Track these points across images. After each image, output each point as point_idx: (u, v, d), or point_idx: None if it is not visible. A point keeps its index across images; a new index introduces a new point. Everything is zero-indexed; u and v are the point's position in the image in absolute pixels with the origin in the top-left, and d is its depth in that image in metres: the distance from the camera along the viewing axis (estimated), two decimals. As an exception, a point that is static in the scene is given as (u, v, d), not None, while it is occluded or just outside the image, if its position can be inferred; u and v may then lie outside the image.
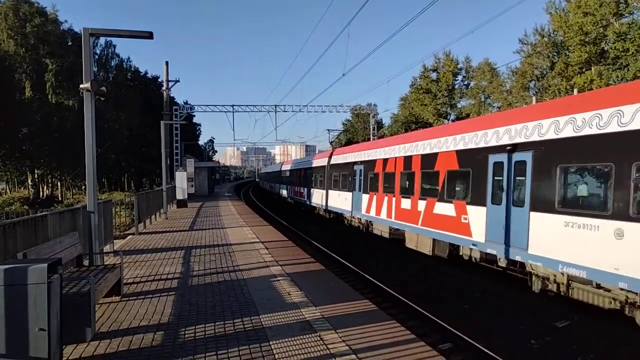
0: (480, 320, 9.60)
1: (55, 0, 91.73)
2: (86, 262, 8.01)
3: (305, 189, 33.50)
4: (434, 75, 56.30)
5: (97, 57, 50.30)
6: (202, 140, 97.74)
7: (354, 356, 5.07)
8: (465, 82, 55.93)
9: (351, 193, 22.63)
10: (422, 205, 15.23)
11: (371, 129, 48.44)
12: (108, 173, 59.14)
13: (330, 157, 27.61)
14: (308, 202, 32.57)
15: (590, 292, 9.27)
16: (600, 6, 33.11)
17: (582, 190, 9.35)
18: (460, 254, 13.48)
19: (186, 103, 55.57)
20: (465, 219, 12.74)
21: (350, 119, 73.80)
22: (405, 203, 16.49)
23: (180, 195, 28.63)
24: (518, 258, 10.66)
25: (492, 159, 11.73)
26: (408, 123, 56.58)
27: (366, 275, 13.19)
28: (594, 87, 32.27)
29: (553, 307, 9.95)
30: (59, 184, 54.41)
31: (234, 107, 42.23)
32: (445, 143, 14.19)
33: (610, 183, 8.42)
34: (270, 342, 5.50)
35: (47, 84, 43.36)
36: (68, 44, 47.47)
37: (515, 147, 10.91)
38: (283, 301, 7.29)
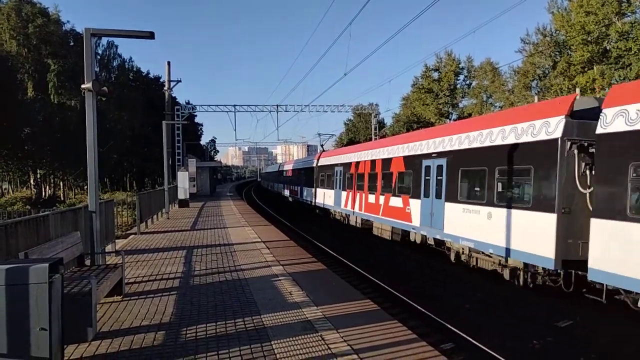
0: (482, 319, 9.58)
1: (57, 1, 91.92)
2: (88, 262, 8.01)
3: (299, 188, 37.40)
4: (435, 75, 56.23)
5: (99, 57, 50.38)
6: (203, 140, 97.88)
7: (355, 356, 5.06)
8: (467, 82, 55.89)
9: (333, 191, 26.34)
10: (382, 199, 18.95)
11: (373, 129, 48.42)
12: (110, 173, 59.21)
13: (318, 159, 31.51)
14: (301, 199, 36.52)
15: (482, 259, 12.85)
16: (603, 5, 33.02)
17: (471, 185, 13.08)
18: (409, 237, 16.84)
19: (188, 103, 55.78)
20: (408, 209, 16.46)
21: (352, 118, 73.82)
22: (371, 198, 20.22)
23: (182, 195, 28.66)
24: (438, 237, 14.48)
25: (424, 163, 15.45)
26: (410, 123, 56.52)
27: (368, 275, 13.18)
28: (596, 87, 32.22)
29: (555, 306, 9.93)
30: (61, 184, 54.53)
31: (236, 107, 42.30)
32: (397, 150, 17.98)
33: (485, 180, 12.19)
34: (272, 342, 5.49)
35: (49, 84, 43.44)
36: (70, 44, 47.56)
37: (438, 155, 14.62)
38: (284, 301, 7.28)
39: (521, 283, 11.28)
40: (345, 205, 23.84)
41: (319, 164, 30.71)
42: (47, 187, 53.59)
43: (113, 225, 12.91)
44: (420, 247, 16.21)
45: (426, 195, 15.16)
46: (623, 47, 32.34)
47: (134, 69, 62.30)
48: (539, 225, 10.13)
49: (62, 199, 48.79)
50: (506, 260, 11.63)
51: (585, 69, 35.16)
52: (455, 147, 13.68)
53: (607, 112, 8.78)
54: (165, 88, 38.77)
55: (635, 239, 7.86)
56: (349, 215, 23.78)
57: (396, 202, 17.43)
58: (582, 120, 9.76)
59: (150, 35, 8.28)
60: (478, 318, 9.67)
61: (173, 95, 43.26)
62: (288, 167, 47.22)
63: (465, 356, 7.80)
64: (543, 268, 10.35)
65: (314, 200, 31.24)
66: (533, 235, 10.30)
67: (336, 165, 26.19)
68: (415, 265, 15.06)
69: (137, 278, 9.03)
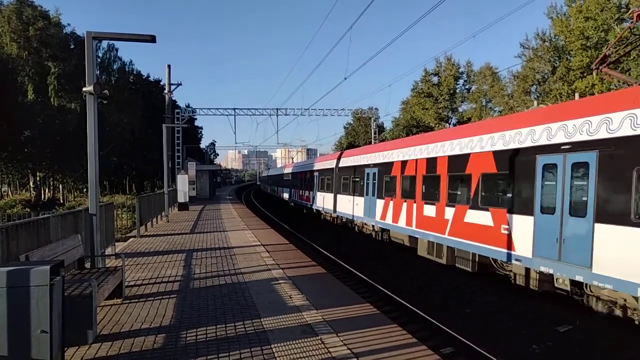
0: (482, 324, 9.57)
1: (58, 4, 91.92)
2: (88, 265, 8.01)
3: (277, 188, 53.99)
4: (435, 79, 56.25)
5: (99, 60, 50.41)
6: (203, 144, 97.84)
7: (355, 360, 5.07)
8: (467, 86, 55.92)
9: (288, 189, 42.76)
10: (306, 193, 33.81)
11: (372, 133, 48.49)
12: (110, 176, 59.17)
13: (284, 168, 51.54)
14: (277, 195, 52.50)
15: (327, 216, 28.18)
16: (602, 11, 33.13)
17: (323, 184, 28.38)
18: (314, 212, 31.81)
19: (188, 106, 55.65)
20: (312, 197, 31.51)
21: (352, 122, 73.83)
22: (302, 192, 35.63)
23: (181, 198, 28.66)
24: (318, 209, 29.57)
25: (314, 174, 30.63)
26: (409, 127, 56.55)
27: (367, 279, 13.17)
28: (595, 92, 32.27)
29: (555, 311, 9.93)
30: (60, 186, 54.48)
31: (236, 110, 42.32)
32: (307, 167, 34.96)
33: (325, 182, 28.09)
34: (272, 346, 5.50)
35: (49, 87, 43.46)
36: (70, 47, 47.59)
37: (315, 171, 30.65)
38: (284, 304, 7.29)
39: (335, 223, 26.19)
40: (290, 197, 40.72)
41: (284, 172, 48.33)
42: (47, 189, 53.53)
43: (113, 228, 12.90)
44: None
45: (315, 189, 30.39)
46: (622, 52, 32.42)
47: (134, 72, 62.38)
48: (330, 199, 26.10)
49: (61, 201, 48.72)
50: (330, 216, 26.82)
51: (585, 74, 35.24)
52: (318, 168, 30.02)
53: (341, 159, 25.15)
54: (166, 91, 38.80)
55: (341, 201, 24.18)
56: (294, 202, 39.31)
57: (309, 193, 32.51)
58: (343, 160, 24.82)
59: (152, 39, 8.29)
60: (478, 322, 9.67)
61: (173, 98, 43.26)
62: (274, 172, 66.75)
63: (464, 360, 7.80)
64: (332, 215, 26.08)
65: (282, 196, 47.32)
66: (330, 203, 26.12)
67: (291, 173, 42.13)
68: (407, 264, 15.07)
69: (137, 281, 9.03)
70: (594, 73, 33.92)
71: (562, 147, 9.35)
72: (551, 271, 9.56)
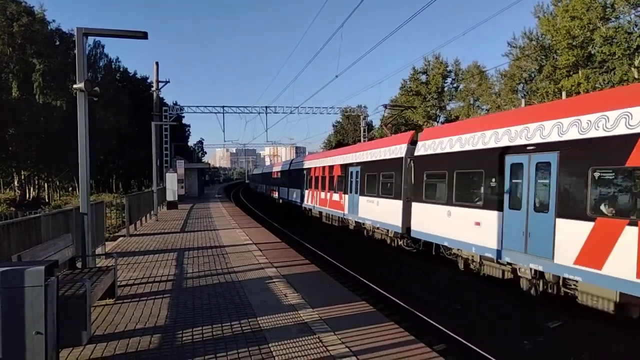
0: (473, 320, 9.66)
1: (43, 0, 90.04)
2: (79, 264, 7.91)
3: (259, 184, 64.11)
4: (423, 78, 56.56)
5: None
6: (191, 141, 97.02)
7: (354, 358, 5.08)
8: (455, 85, 56.30)
9: (264, 185, 54.78)
10: (274, 188, 44.70)
11: (362, 131, 48.59)
12: (96, 174, 58.38)
13: (265, 167, 63.32)
14: (260, 192, 61.32)
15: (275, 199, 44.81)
16: (588, 10, 33.58)
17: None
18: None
19: (175, 104, 55.18)
20: (278, 190, 43.04)
21: (341, 120, 73.93)
22: (273, 188, 45.80)
23: (170, 196, 28.42)
24: (293, 201, 35.53)
25: (279, 174, 42.39)
26: (398, 125, 56.76)
27: (360, 277, 13.21)
28: (581, 91, 32.71)
29: (545, 307, 10.06)
30: (45, 185, 53.64)
31: (225, 108, 42.05)
32: (276, 168, 46.41)
33: (296, 179, 35.84)
34: (270, 345, 5.48)
35: (34, 84, 42.67)
36: (56, 44, 46.80)
37: (284, 171, 39.77)
38: (280, 303, 7.27)
39: (290, 208, 35.61)
40: (267, 192, 50.77)
41: (262, 172, 61.82)
42: (32, 188, 52.65)
43: (103, 227, 12.75)
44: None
45: (279, 185, 40.78)
46: (607, 51, 32.91)
47: (121, 69, 61.62)
48: (286, 191, 38.05)
49: (46, 200, 47.99)
50: (287, 202, 37.27)
51: (571, 73, 35.71)
52: (280, 169, 41.23)
53: (291, 163, 37.58)
54: (154, 89, 38.43)
55: (292, 193, 35.86)
56: (265, 193, 53.11)
57: (276, 188, 42.91)
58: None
59: (144, 35, 8.20)
60: (469, 319, 9.75)
61: (161, 95, 42.85)
62: (257, 171, 79.46)
63: (457, 357, 7.85)
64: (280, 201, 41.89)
65: (263, 192, 57.71)
66: (286, 194, 37.70)
67: (264, 173, 56.65)
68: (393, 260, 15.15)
69: (129, 281, 8.94)
70: (580, 72, 34.33)
71: (354, 164, 20.93)
72: (351, 218, 21.31)
